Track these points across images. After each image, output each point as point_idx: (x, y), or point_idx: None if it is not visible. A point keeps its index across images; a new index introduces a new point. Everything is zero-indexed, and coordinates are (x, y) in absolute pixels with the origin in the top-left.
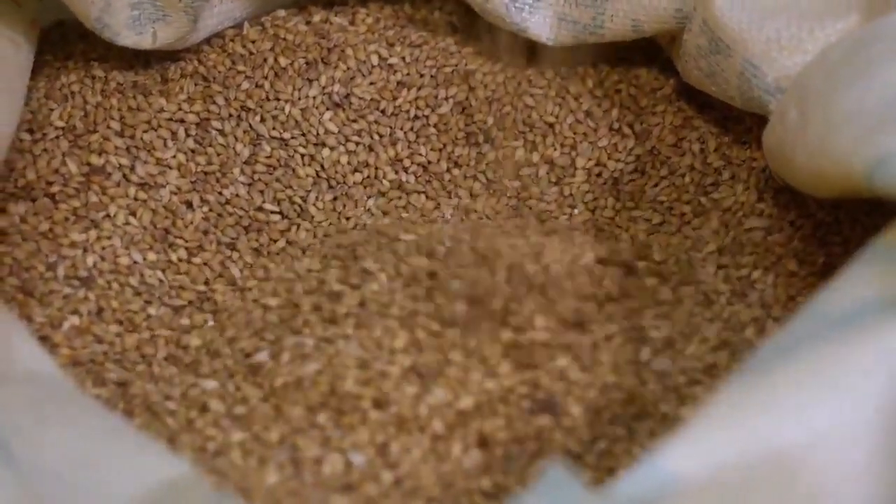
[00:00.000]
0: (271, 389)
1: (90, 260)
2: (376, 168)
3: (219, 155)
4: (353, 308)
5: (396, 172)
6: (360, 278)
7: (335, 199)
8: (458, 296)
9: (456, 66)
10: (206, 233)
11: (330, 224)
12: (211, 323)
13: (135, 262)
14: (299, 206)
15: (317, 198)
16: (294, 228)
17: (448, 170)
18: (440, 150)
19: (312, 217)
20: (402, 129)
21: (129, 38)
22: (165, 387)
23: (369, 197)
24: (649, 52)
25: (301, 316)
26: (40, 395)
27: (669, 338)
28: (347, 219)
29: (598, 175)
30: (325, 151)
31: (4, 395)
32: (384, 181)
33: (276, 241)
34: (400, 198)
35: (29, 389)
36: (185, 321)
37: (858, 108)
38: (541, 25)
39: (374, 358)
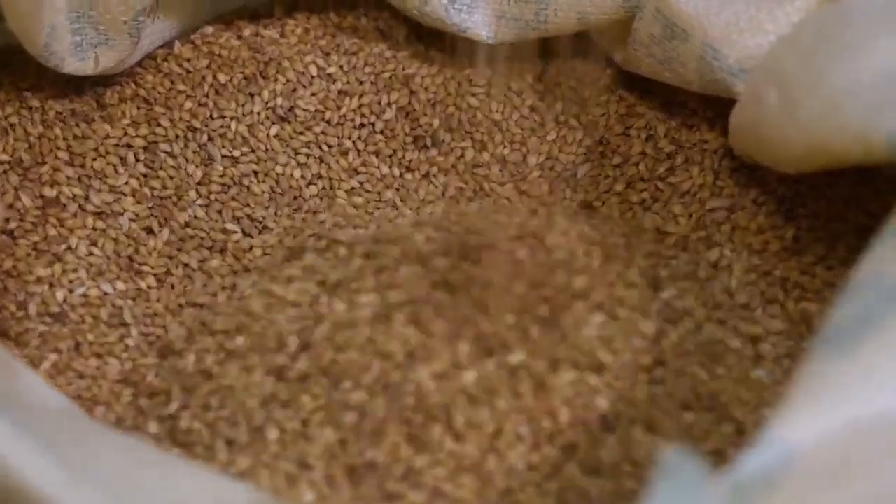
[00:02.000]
0: (283, 411)
1: (59, 295)
2: (330, 179)
3: (171, 178)
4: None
5: (351, 182)
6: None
7: (294, 212)
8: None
9: (394, 70)
10: (171, 258)
11: (293, 238)
12: (193, 346)
13: (105, 294)
14: (260, 222)
15: (276, 213)
16: (259, 245)
17: (401, 175)
18: (390, 156)
19: (274, 232)
20: (349, 138)
21: (72, 64)
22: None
23: (327, 208)
24: (581, 44)
25: (290, 334)
26: (66, 428)
27: (666, 321)
28: (312, 234)
29: (552, 168)
30: (278, 167)
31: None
32: (340, 191)
33: (241, 260)
34: (358, 207)
35: (56, 423)
36: (164, 348)
37: (858, 84)
38: (480, 25)
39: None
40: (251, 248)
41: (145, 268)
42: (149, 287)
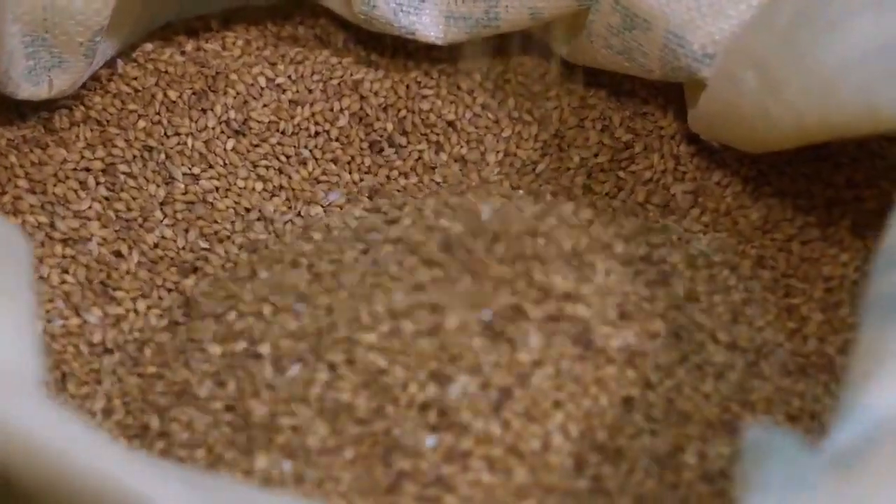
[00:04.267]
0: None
1: (38, 326)
2: (292, 189)
3: (135, 199)
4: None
5: (313, 190)
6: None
7: (262, 225)
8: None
9: (342, 77)
10: (144, 281)
11: (266, 248)
12: (181, 368)
13: (85, 322)
14: (228, 238)
15: (243, 228)
16: (231, 261)
17: (361, 180)
18: (349, 162)
19: (244, 247)
20: (306, 147)
21: (27, 90)
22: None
23: (294, 216)
24: (523, 39)
25: (283, 350)
26: None
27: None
28: (279, 238)
29: (511, 165)
30: (239, 181)
31: None
32: (303, 202)
33: (216, 276)
34: (328, 213)
35: None
36: (151, 369)
37: (850, 61)
38: (430, 26)
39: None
40: (224, 265)
41: (120, 293)
42: (126, 311)
